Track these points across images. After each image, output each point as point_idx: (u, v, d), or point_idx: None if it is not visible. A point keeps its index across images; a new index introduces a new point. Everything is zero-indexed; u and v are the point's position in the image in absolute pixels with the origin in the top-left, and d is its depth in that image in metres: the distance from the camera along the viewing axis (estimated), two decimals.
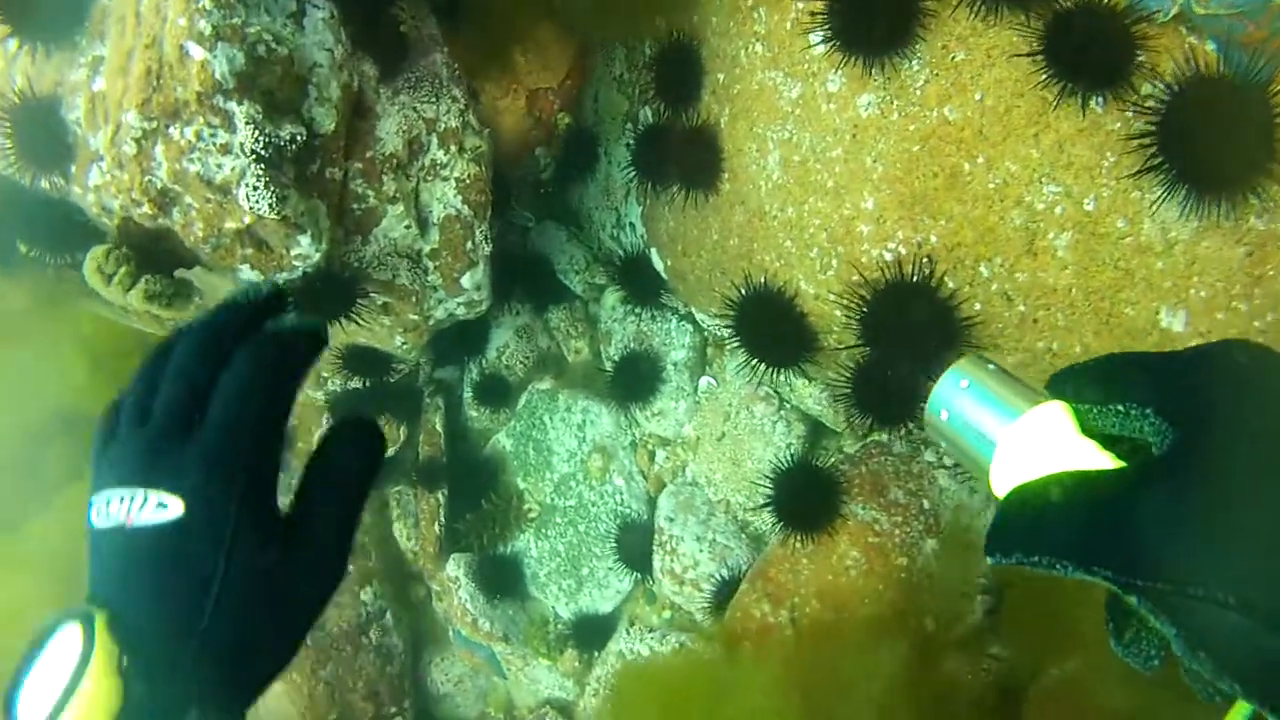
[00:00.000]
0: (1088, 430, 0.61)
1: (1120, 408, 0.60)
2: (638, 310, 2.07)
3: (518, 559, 2.25)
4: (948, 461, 1.75)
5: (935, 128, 1.29)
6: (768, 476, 1.76)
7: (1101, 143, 1.22)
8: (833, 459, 1.86)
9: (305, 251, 1.35)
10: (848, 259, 1.41)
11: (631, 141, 1.76)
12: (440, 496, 2.27)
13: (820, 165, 1.40)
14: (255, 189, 1.23)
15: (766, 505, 1.76)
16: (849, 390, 1.44)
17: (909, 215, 1.34)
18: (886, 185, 1.35)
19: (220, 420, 0.77)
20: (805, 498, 1.72)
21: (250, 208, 1.25)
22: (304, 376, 0.85)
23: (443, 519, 2.27)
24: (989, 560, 0.58)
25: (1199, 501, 0.51)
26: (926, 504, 1.71)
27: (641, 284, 1.98)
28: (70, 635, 0.71)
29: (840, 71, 1.35)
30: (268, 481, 0.79)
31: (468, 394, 2.30)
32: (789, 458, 1.85)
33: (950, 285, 1.33)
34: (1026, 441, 0.62)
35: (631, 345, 2.08)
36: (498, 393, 2.24)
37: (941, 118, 1.29)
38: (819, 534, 1.70)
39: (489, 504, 2.27)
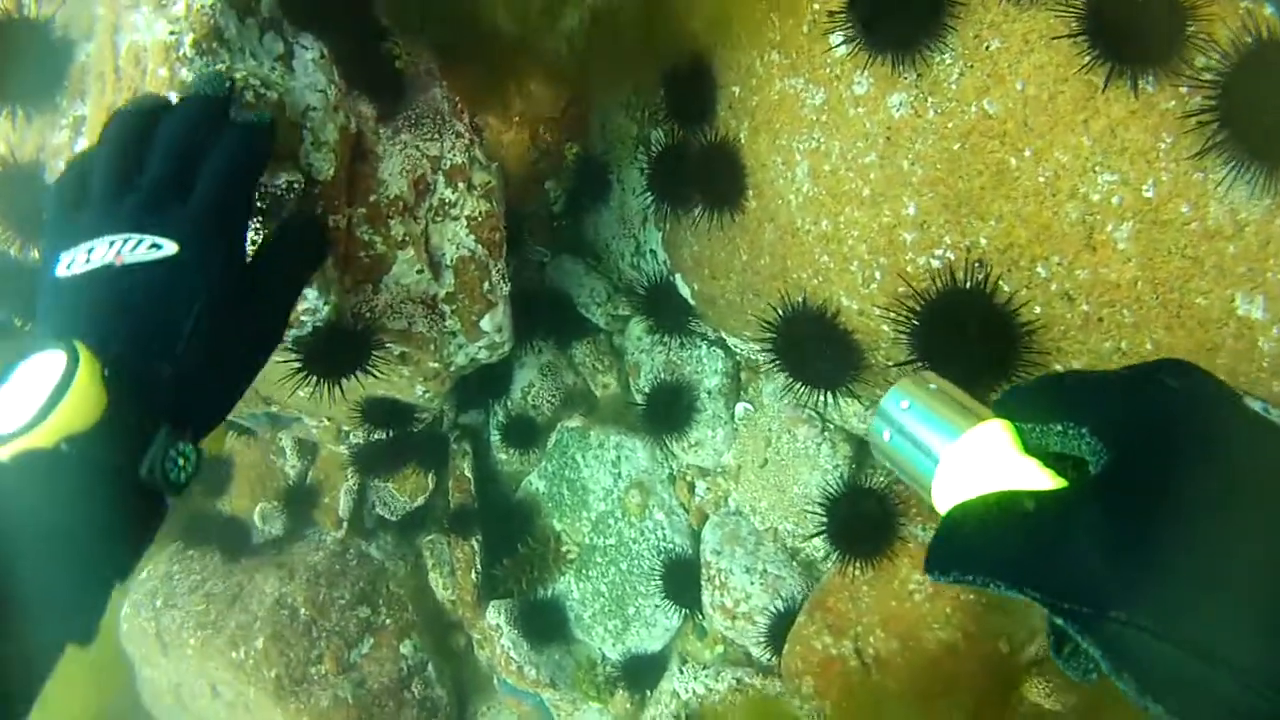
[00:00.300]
0: (1031, 449, 0.62)
1: (1059, 427, 0.60)
2: (665, 339, 1.98)
3: (560, 602, 2.17)
4: None
5: (975, 123, 1.21)
6: (818, 502, 1.67)
7: (1156, 124, 1.13)
8: (883, 478, 1.78)
9: (313, 305, 1.28)
10: (892, 270, 1.32)
11: (645, 166, 1.67)
12: (475, 543, 2.20)
13: (854, 173, 1.32)
14: (255, 243, 1.16)
15: (820, 533, 1.67)
16: None
17: (955, 218, 1.25)
18: (928, 188, 1.26)
19: (214, 184, 0.92)
20: (860, 522, 1.63)
21: None
22: (269, 157, 1.07)
23: (479, 566, 2.20)
24: (928, 578, 0.63)
25: (1123, 526, 0.52)
26: None
27: (667, 312, 1.89)
28: (49, 358, 0.76)
29: (866, 72, 1.27)
30: (241, 241, 0.94)
31: (495, 437, 2.23)
32: (838, 480, 1.76)
33: (1006, 289, 1.24)
34: (967, 460, 0.62)
35: (661, 376, 2.00)
36: (526, 434, 2.17)
37: (981, 112, 1.20)
38: (878, 559, 1.60)
39: (525, 548, 2.20)
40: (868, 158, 1.30)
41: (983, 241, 1.24)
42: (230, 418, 2.14)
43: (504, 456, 2.24)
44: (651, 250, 1.89)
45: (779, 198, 1.43)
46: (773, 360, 1.51)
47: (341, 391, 1.40)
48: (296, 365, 1.36)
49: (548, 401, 2.17)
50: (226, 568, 2.36)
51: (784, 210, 1.43)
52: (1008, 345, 1.23)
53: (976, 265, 1.24)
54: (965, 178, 1.23)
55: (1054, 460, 0.60)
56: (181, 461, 0.81)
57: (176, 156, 0.93)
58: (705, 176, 1.53)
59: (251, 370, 0.95)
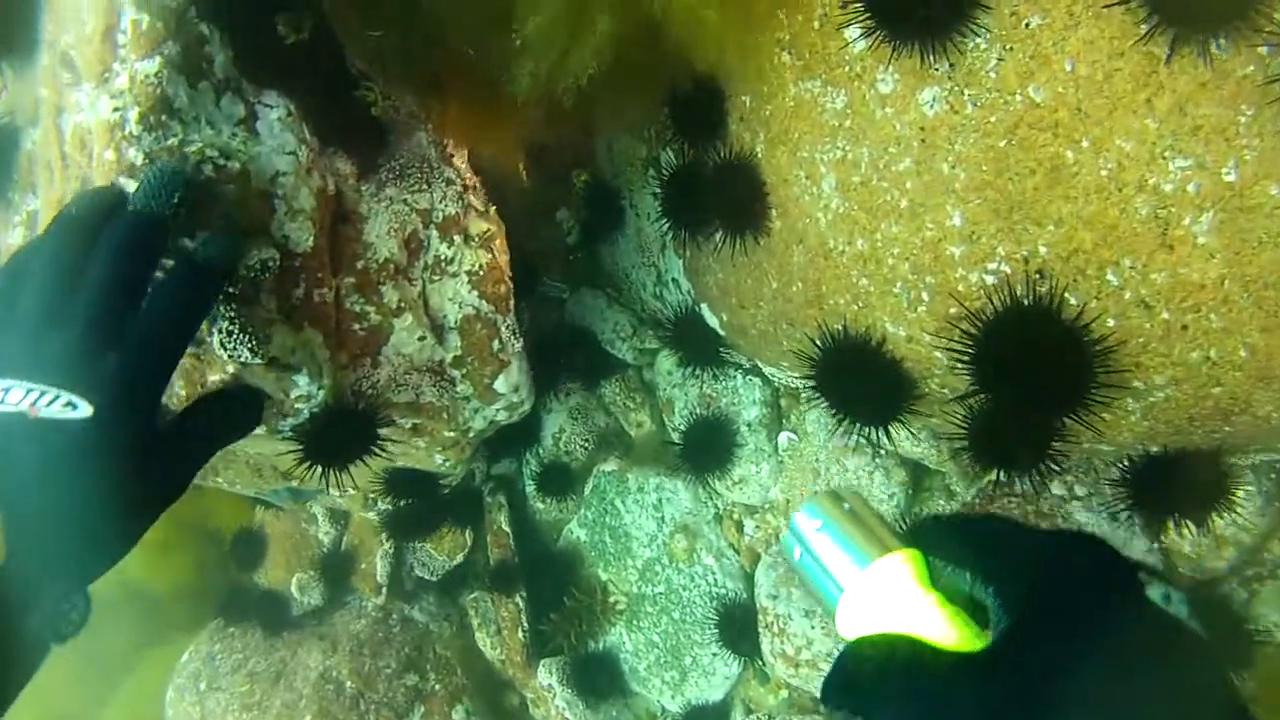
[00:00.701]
0: (941, 585, 0.62)
1: (970, 576, 0.61)
2: (698, 372, 1.85)
3: (612, 654, 2.06)
4: (1079, 491, 1.52)
5: (1022, 114, 1.06)
6: None
7: (1233, 95, 0.98)
8: (940, 501, 1.64)
9: (305, 392, 1.17)
10: (940, 290, 1.17)
11: (658, 190, 1.54)
12: (519, 600, 2.11)
13: (887, 183, 1.18)
14: (230, 334, 1.05)
15: None
16: (966, 441, 1.20)
17: (1008, 226, 1.10)
18: (974, 194, 1.11)
19: (141, 342, 0.91)
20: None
21: (229, 356, 1.06)
22: (218, 301, 1.03)
23: (525, 623, 2.10)
24: (822, 707, 0.55)
25: (1009, 708, 0.53)
26: None
27: (697, 343, 1.76)
28: None
29: (891, 67, 1.13)
30: (160, 396, 0.94)
31: (530, 487, 2.12)
32: (895, 510, 1.62)
33: (1073, 302, 1.10)
34: (871, 592, 0.63)
35: (697, 410, 1.87)
36: (562, 481, 2.06)
37: (1027, 101, 1.05)
38: None
39: (572, 600, 2.09)
40: (902, 164, 1.16)
41: (1042, 250, 1.10)
42: (252, 494, 2.05)
43: (541, 506, 2.13)
44: (674, 279, 1.76)
45: (806, 216, 1.29)
46: (816, 396, 1.37)
47: (351, 477, 1.29)
48: (299, 455, 1.25)
49: (581, 446, 2.05)
50: (268, 643, 2.29)
51: (813, 230, 1.29)
52: (1081, 366, 1.09)
53: (1037, 277, 1.10)
54: (1016, 178, 1.09)
55: (962, 597, 0.61)
56: (73, 615, 0.84)
57: (111, 296, 0.91)
58: (723, 198, 1.39)
59: (147, 524, 0.96)
